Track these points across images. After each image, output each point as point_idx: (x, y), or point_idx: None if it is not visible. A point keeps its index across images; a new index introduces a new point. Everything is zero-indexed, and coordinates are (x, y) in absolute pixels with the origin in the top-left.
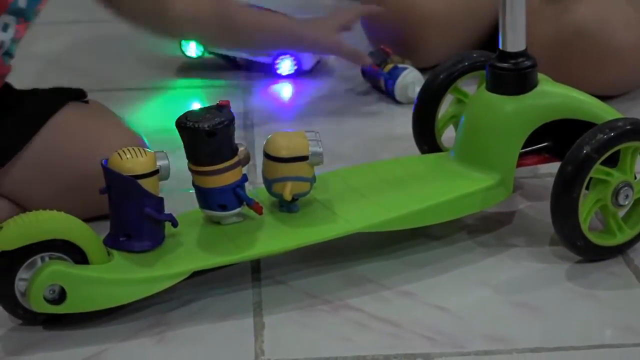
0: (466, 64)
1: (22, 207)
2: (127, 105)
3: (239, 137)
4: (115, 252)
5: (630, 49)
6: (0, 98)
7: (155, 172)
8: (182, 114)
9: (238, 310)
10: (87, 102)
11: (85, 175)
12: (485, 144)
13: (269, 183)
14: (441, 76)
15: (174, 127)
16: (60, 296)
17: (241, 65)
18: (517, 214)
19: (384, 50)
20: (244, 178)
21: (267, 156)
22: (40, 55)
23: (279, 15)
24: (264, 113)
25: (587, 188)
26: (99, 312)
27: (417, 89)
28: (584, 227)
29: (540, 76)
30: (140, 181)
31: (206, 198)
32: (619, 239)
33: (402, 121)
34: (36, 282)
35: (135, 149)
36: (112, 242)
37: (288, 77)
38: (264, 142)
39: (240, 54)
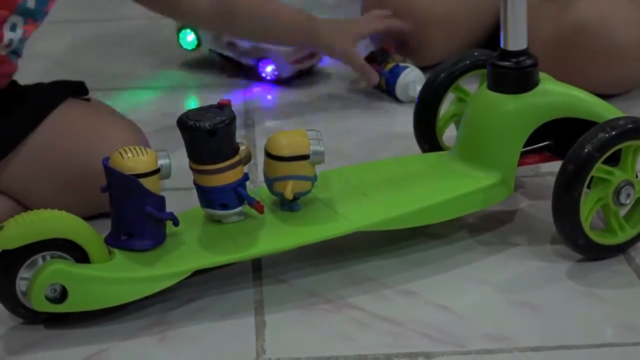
0: (467, 62)
1: (24, 206)
2: (128, 104)
3: (240, 136)
4: (116, 251)
5: (631, 46)
6: (6, 94)
7: (157, 171)
8: (183, 113)
9: (239, 309)
10: (88, 99)
11: (86, 173)
12: (487, 142)
13: (270, 182)
14: (442, 75)
15: (175, 126)
16: (62, 295)
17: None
18: (518, 212)
19: (385, 49)
20: (245, 177)
21: (269, 155)
22: (43, 54)
23: (293, 10)
24: (265, 112)
25: (588, 187)
26: (100, 311)
27: (418, 88)
28: (586, 225)
29: (542, 75)
30: (141, 180)
31: (207, 197)
32: (620, 237)
33: (403, 120)
34: (37, 281)
35: (137, 148)
36: (114, 241)
37: (269, 82)
38: (265, 141)
39: (228, 53)
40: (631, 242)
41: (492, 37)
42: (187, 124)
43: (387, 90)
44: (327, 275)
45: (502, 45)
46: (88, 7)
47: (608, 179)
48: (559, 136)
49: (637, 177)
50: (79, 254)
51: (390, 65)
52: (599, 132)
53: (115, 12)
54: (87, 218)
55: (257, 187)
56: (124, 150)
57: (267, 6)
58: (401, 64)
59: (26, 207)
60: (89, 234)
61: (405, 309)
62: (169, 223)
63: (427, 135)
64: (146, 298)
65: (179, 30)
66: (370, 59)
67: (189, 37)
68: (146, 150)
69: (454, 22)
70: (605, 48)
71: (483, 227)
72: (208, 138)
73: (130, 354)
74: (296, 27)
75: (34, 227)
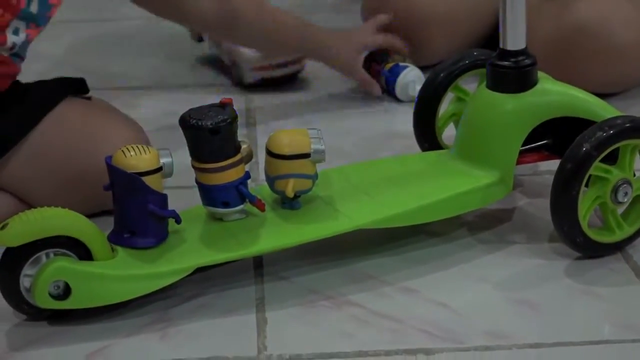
0: (467, 62)
1: (27, 203)
2: (130, 103)
3: (241, 134)
4: (119, 249)
5: (630, 46)
6: (8, 93)
7: (159, 169)
8: (185, 111)
9: (241, 306)
10: (89, 98)
11: (87, 171)
12: (486, 141)
13: (271, 180)
14: (442, 74)
15: (176, 124)
16: (65, 292)
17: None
18: (516, 211)
19: (385, 49)
20: (247, 175)
21: (270, 153)
22: (44, 54)
23: (294, 17)
24: (266, 111)
25: (586, 185)
26: (103, 308)
27: (418, 87)
28: (584, 224)
29: (540, 74)
30: (144, 178)
31: (209, 195)
32: (618, 235)
33: (403, 119)
34: (41, 278)
35: (139, 146)
36: (116, 239)
37: (236, 85)
38: (267, 140)
39: (214, 51)
40: (629, 240)
41: (491, 37)
42: (190, 123)
43: (387, 89)
44: (328, 273)
45: (501, 45)
46: (88, 7)
47: (606, 177)
48: (557, 135)
49: (634, 175)
50: (82, 252)
51: (390, 65)
52: (597, 131)
53: (115, 12)
54: (90, 216)
55: (258, 185)
56: (127, 148)
57: (268, 14)
58: (401, 64)
59: (30, 205)
60: (92, 232)
61: (405, 306)
62: (171, 221)
63: (427, 134)
64: (148, 295)
65: None
66: (370, 58)
67: None
68: (149, 149)
69: (455, 21)
70: (605, 48)
71: (482, 225)
72: (210, 137)
73: (133, 351)
74: (298, 35)
75: (37, 224)
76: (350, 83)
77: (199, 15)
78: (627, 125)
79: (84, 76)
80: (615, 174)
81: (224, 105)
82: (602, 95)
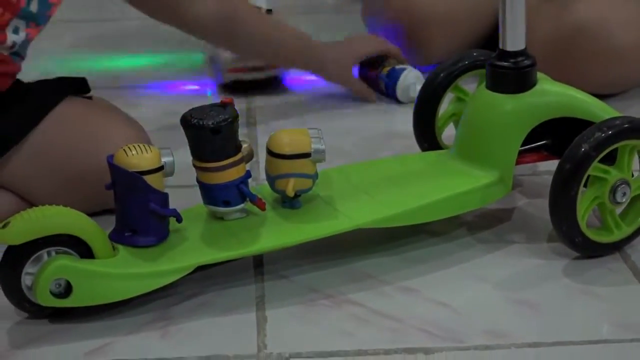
0: (466, 62)
1: (28, 202)
2: (131, 102)
3: (242, 134)
4: (120, 247)
5: (629, 47)
6: (9, 92)
7: (160, 168)
8: (186, 111)
9: (241, 305)
10: (90, 97)
11: (88, 170)
12: (485, 141)
13: (271, 179)
14: (441, 75)
15: (177, 124)
16: (66, 290)
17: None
18: (516, 211)
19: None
20: (248, 174)
21: (270, 153)
22: (44, 54)
23: (293, 30)
24: (267, 111)
25: (585, 185)
26: (104, 306)
27: (419, 88)
28: (582, 224)
29: (540, 75)
30: (145, 177)
31: (210, 194)
32: (616, 235)
33: (402, 119)
34: (42, 276)
35: (141, 145)
36: (118, 237)
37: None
38: (267, 139)
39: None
40: (627, 240)
41: (491, 37)
42: (191, 122)
43: (386, 94)
44: (328, 272)
45: (500, 46)
46: (88, 7)
47: (604, 177)
48: (556, 135)
49: (633, 176)
50: (84, 250)
51: (386, 69)
52: (595, 132)
53: (115, 12)
54: (91, 214)
55: (259, 184)
56: (128, 147)
57: (267, 25)
58: (397, 67)
59: (30, 203)
60: (93, 230)
61: (405, 306)
62: (172, 220)
63: (427, 134)
64: (149, 293)
65: None
66: (367, 63)
67: None
68: (150, 148)
69: (455, 21)
70: (604, 49)
71: (481, 225)
72: (211, 136)
73: (133, 349)
74: (296, 47)
75: (39, 223)
76: None
77: (196, 20)
78: (626, 126)
79: (85, 75)
80: (613, 174)
81: (225, 105)
82: (600, 96)
